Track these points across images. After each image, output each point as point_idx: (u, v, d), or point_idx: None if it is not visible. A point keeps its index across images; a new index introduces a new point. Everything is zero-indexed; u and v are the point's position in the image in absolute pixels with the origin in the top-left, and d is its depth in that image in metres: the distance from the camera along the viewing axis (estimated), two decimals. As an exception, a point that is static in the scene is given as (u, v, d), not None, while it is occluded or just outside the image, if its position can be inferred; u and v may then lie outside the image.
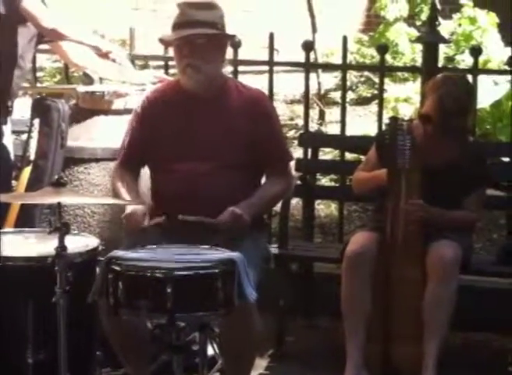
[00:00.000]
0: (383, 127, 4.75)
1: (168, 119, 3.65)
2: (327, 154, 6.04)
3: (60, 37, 4.13)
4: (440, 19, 4.97)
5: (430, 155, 3.90)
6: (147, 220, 3.50)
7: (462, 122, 3.92)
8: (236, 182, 3.56)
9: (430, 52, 4.78)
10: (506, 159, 4.72)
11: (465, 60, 6.97)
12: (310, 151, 4.73)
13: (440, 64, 5.08)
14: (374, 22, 8.90)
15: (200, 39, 3.55)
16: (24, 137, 4.39)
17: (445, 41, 5.25)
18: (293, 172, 4.46)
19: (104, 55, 4.19)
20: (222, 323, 3.37)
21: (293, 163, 4.19)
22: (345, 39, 4.86)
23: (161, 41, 3.73)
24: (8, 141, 4.24)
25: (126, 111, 4.33)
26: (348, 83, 6.33)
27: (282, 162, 3.72)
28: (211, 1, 3.66)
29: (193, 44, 3.55)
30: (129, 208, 3.54)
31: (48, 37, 4.14)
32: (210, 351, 3.57)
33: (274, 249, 4.27)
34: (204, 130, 3.61)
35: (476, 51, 4.78)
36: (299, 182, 4.58)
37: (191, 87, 3.62)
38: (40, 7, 4.05)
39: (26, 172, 4.21)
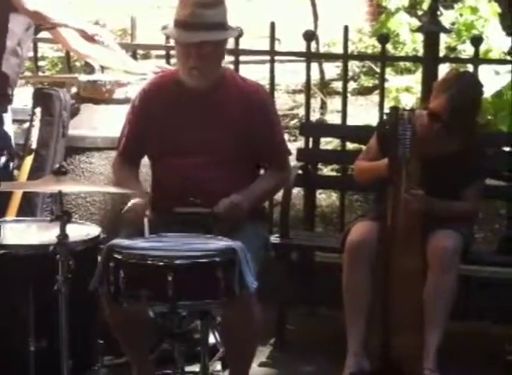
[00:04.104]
0: (384, 117, 4.75)
1: (164, 111, 3.64)
2: (328, 143, 6.05)
3: (43, 20, 4.07)
4: (441, 8, 4.98)
5: (430, 146, 3.90)
6: (148, 212, 3.49)
7: (471, 121, 3.94)
8: (231, 175, 3.56)
9: (431, 42, 4.77)
10: (507, 149, 4.72)
11: (466, 50, 6.98)
12: (311, 140, 4.73)
13: (441, 54, 5.08)
14: (376, 12, 8.90)
15: (209, 46, 3.50)
16: (26, 125, 4.40)
17: (446, 31, 5.24)
18: (294, 162, 4.47)
19: (90, 38, 4.16)
20: (223, 312, 3.38)
21: (294, 153, 4.20)
22: (346, 29, 4.85)
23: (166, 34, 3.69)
24: (10, 129, 4.25)
25: (127, 100, 4.32)
26: (350, 73, 6.33)
27: (279, 155, 3.72)
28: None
29: (201, 49, 3.50)
30: (130, 203, 3.52)
31: (31, 19, 4.09)
32: (211, 339, 3.58)
33: (275, 238, 4.28)
34: (199, 123, 3.60)
35: (477, 41, 4.77)
36: (300, 172, 4.58)
37: (192, 85, 3.60)
38: None
39: (28, 161, 4.22)
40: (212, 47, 3.52)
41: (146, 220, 3.39)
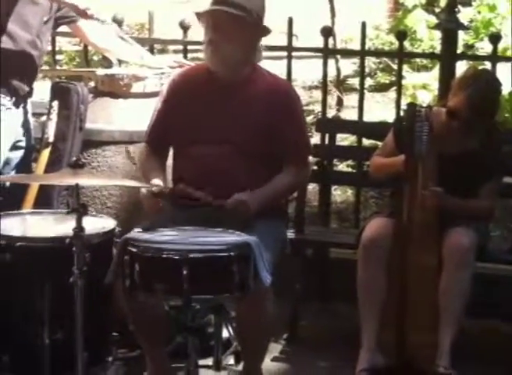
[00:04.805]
0: (401, 114, 4.75)
1: (192, 101, 3.66)
2: (344, 140, 6.04)
3: None
4: (459, 6, 4.95)
5: (448, 143, 3.90)
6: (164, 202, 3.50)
7: (489, 119, 3.93)
8: (253, 167, 3.56)
9: (449, 39, 4.75)
10: (524, 147, 4.69)
11: (484, 47, 6.94)
12: (327, 136, 4.73)
13: (459, 51, 5.06)
14: (395, 8, 8.87)
15: (226, 18, 3.53)
16: (43, 119, 4.42)
17: (464, 28, 5.22)
18: (310, 158, 4.47)
19: (84, 14, 4.14)
20: (237, 307, 3.39)
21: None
22: (363, 25, 4.85)
23: (196, 15, 3.65)
24: (29, 122, 4.27)
25: (145, 94, 4.35)
26: (366, 70, 6.32)
27: (300, 153, 3.71)
28: None
29: (218, 21, 3.54)
30: (144, 190, 3.54)
31: None
32: (225, 333, 3.59)
33: (290, 234, 4.27)
34: (224, 114, 3.61)
35: (495, 39, 4.76)
36: (316, 167, 4.58)
37: (212, 65, 3.61)
38: None
39: (45, 154, 4.23)
40: (228, 19, 3.52)
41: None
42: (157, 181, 3.57)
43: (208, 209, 3.46)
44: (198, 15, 3.63)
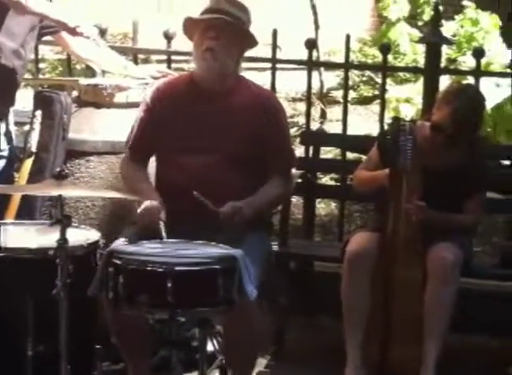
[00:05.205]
0: (385, 127, 4.75)
1: (176, 111, 3.65)
2: (328, 153, 6.04)
3: (23, 10, 4.01)
4: (442, 20, 4.97)
5: (432, 157, 3.90)
6: (163, 215, 3.47)
7: (473, 133, 3.94)
8: (238, 177, 3.56)
9: (433, 53, 4.77)
10: (507, 162, 4.71)
11: (466, 62, 6.97)
12: (311, 149, 4.72)
13: (442, 65, 5.08)
14: (377, 21, 8.90)
15: (226, 27, 3.56)
16: (26, 128, 4.39)
17: (448, 42, 5.25)
18: (294, 170, 4.46)
19: (73, 31, 4.12)
20: (223, 321, 3.37)
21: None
22: (348, 38, 4.85)
23: (186, 22, 3.65)
24: (11, 131, 4.23)
25: (128, 104, 4.33)
26: (350, 83, 6.33)
27: (285, 164, 3.73)
28: (244, 5, 3.68)
29: (218, 29, 3.56)
30: (143, 206, 3.50)
31: (13, 8, 4.01)
32: (209, 347, 3.56)
33: (274, 247, 4.25)
34: (209, 123, 3.61)
35: (479, 53, 4.77)
36: (300, 180, 4.57)
37: (205, 73, 3.61)
38: None
39: (28, 163, 4.20)
40: (229, 30, 3.55)
41: (162, 224, 3.37)
42: (154, 199, 3.51)
43: (198, 222, 3.43)
44: (191, 22, 3.61)
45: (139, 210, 3.50)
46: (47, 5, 4.12)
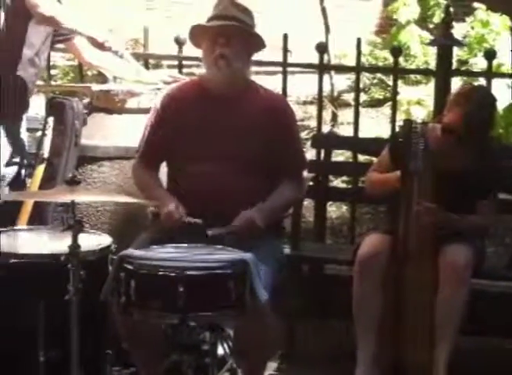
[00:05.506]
0: (397, 129, 4.74)
1: (187, 117, 3.65)
2: (339, 155, 6.04)
3: (57, 26, 4.13)
4: (453, 22, 4.96)
5: (443, 159, 3.89)
6: (185, 217, 3.48)
7: (485, 135, 3.94)
8: (251, 183, 3.55)
9: (444, 55, 4.76)
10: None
11: (477, 63, 6.97)
12: (323, 152, 4.72)
13: (453, 67, 5.07)
14: (387, 24, 8.90)
15: (237, 33, 3.56)
16: (38, 134, 4.41)
17: (460, 44, 5.25)
18: (305, 173, 4.46)
19: (101, 46, 4.17)
20: (234, 324, 3.37)
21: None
22: (359, 41, 4.86)
23: (194, 29, 3.65)
24: (23, 138, 4.26)
25: (140, 110, 4.34)
26: (360, 86, 6.33)
27: (296, 166, 3.73)
28: (248, 8, 3.67)
29: (230, 35, 3.56)
30: (167, 206, 3.50)
31: (45, 24, 4.11)
32: (220, 351, 3.57)
33: (286, 250, 4.26)
34: (221, 130, 3.61)
35: (490, 55, 4.77)
36: (311, 183, 4.58)
37: (218, 80, 3.60)
38: None
39: (40, 170, 4.21)
40: (240, 36, 3.56)
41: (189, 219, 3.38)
42: (172, 205, 3.51)
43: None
44: (200, 29, 3.61)
45: (162, 214, 3.50)
46: (75, 18, 4.17)
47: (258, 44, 3.65)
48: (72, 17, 4.15)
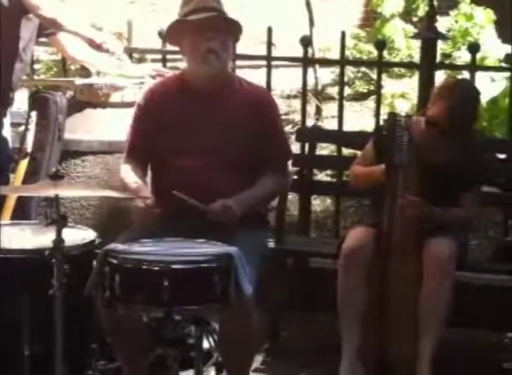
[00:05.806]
0: (381, 123, 4.75)
1: (168, 112, 3.64)
2: (323, 149, 6.04)
3: (58, 27, 4.13)
4: (437, 15, 4.97)
5: (428, 152, 3.90)
6: (157, 209, 3.47)
7: (469, 128, 3.95)
8: (235, 178, 3.55)
9: (428, 49, 4.76)
10: (502, 156, 4.72)
11: (461, 57, 6.98)
12: (307, 146, 4.73)
13: (437, 60, 5.08)
14: (371, 17, 8.90)
15: (221, 24, 3.53)
16: (21, 129, 4.39)
17: (444, 38, 5.25)
18: (290, 167, 4.46)
19: (98, 46, 4.17)
20: (220, 318, 3.37)
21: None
22: (343, 34, 4.85)
23: (174, 25, 3.60)
24: (7, 133, 4.24)
25: (123, 104, 4.34)
26: (345, 79, 6.34)
27: (281, 159, 3.72)
28: None
29: (214, 28, 3.52)
30: (137, 205, 3.50)
31: (47, 26, 4.14)
32: (205, 344, 3.57)
33: (270, 243, 4.26)
34: (204, 124, 3.60)
35: (474, 48, 4.78)
36: (295, 177, 4.58)
37: (206, 75, 3.57)
38: None
39: (23, 164, 4.21)
40: (222, 28, 3.53)
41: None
42: (146, 192, 3.52)
43: (193, 221, 3.43)
44: (181, 24, 3.57)
45: (134, 211, 3.50)
46: (74, 19, 4.16)
47: (237, 30, 3.63)
48: (72, 18, 4.14)
